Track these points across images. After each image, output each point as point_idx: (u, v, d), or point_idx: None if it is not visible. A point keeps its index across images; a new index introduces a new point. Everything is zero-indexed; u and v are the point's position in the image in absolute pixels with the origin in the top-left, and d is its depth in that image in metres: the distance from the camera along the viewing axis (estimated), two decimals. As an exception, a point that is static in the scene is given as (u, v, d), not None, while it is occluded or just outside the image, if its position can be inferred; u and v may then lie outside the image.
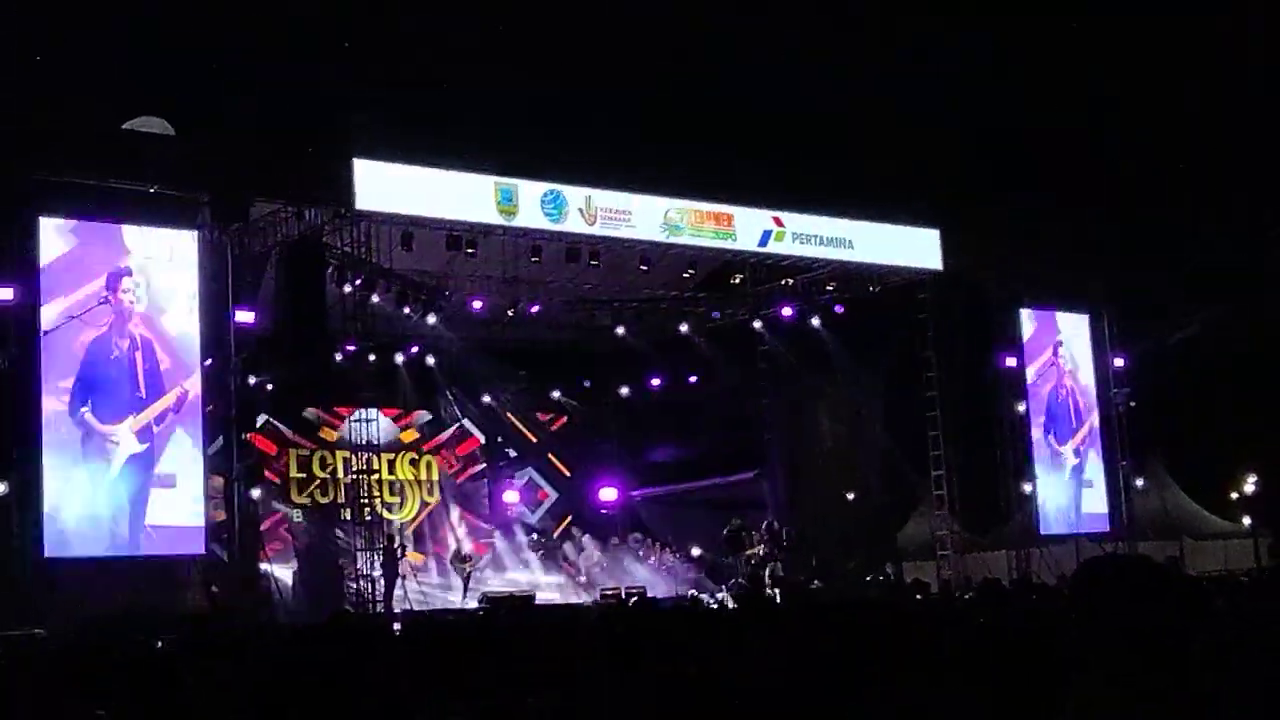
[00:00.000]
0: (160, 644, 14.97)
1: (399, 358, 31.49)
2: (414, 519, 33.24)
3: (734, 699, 6.68)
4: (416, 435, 33.74)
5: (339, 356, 26.45)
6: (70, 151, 22.38)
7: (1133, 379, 34.00)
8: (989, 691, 6.46)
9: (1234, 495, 35.15)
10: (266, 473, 29.55)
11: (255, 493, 25.09)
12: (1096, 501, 33.50)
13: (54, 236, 21.96)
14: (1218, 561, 31.75)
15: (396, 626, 19.08)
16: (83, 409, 21.82)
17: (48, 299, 21.70)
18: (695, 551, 32.75)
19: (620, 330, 32.27)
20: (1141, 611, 3.45)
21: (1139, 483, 34.17)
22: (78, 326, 21.88)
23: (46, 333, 21.52)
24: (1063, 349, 33.60)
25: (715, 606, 24.18)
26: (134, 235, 22.69)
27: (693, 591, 29.75)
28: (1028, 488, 32.20)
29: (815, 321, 32.13)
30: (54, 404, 21.62)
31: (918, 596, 22.11)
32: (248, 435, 24.81)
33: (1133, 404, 33.91)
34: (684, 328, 32.84)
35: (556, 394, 35.54)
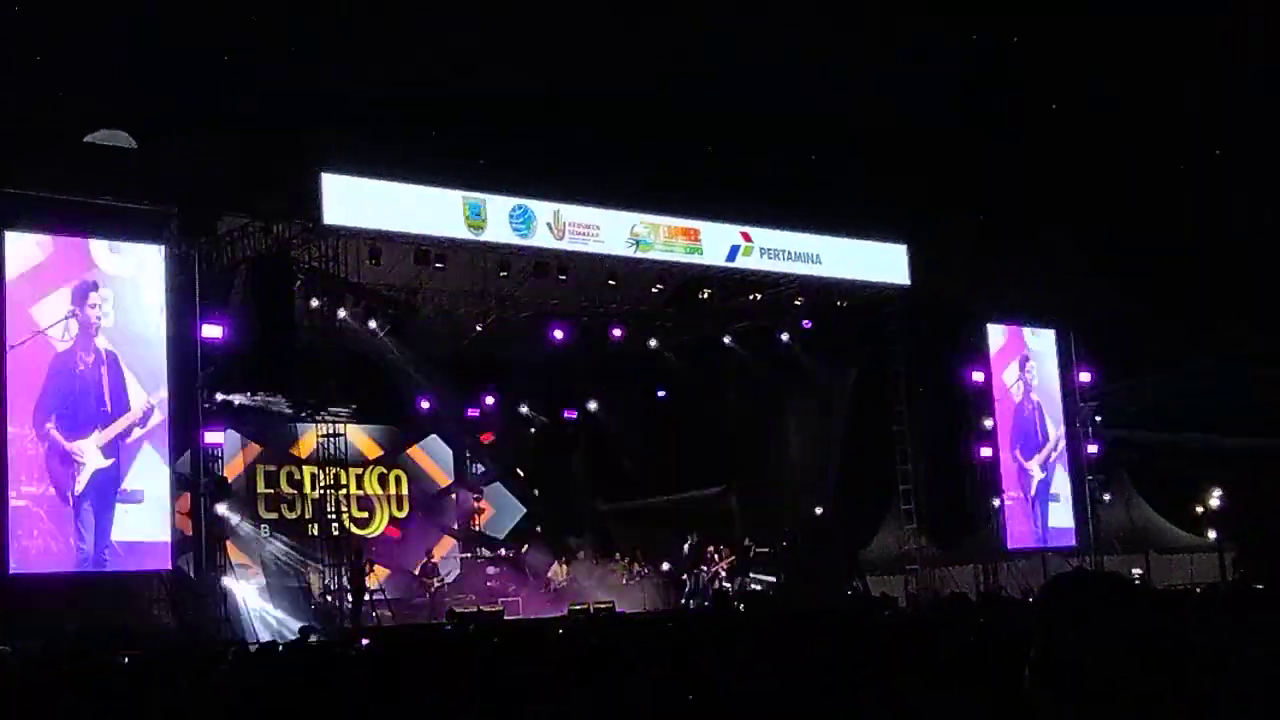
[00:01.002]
0: (126, 660, 14.92)
1: (367, 372, 31.38)
2: (382, 534, 33.13)
3: (703, 711, 6.70)
4: (385, 450, 33.66)
5: (307, 371, 26.35)
6: (37, 165, 22.32)
7: (1100, 393, 34.18)
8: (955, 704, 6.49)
9: (1199, 509, 35.30)
10: (233, 488, 29.43)
11: (222, 508, 24.96)
12: (1063, 516, 33.65)
13: (19, 250, 21.83)
14: (1184, 575, 31.91)
15: (364, 642, 19.02)
16: (48, 424, 21.71)
17: (13, 313, 21.58)
18: (664, 566, 32.71)
19: (588, 345, 32.26)
20: (1108, 627, 3.47)
21: (1105, 497, 34.32)
22: (43, 341, 21.77)
23: (12, 348, 21.39)
24: (1030, 364, 33.76)
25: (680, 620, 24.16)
26: (101, 249, 22.60)
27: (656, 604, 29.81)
28: (995, 502, 32.32)
29: (783, 336, 32.23)
30: (19, 419, 21.49)
31: (885, 612, 22.15)
32: (214, 450, 24.68)
33: (1098, 419, 34.09)
34: (652, 342, 32.86)
35: (525, 408, 35.48)
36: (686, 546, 31.68)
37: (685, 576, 31.39)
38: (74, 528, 21.74)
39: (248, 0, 33.02)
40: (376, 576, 30.40)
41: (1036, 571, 31.44)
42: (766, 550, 32.12)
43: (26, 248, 21.97)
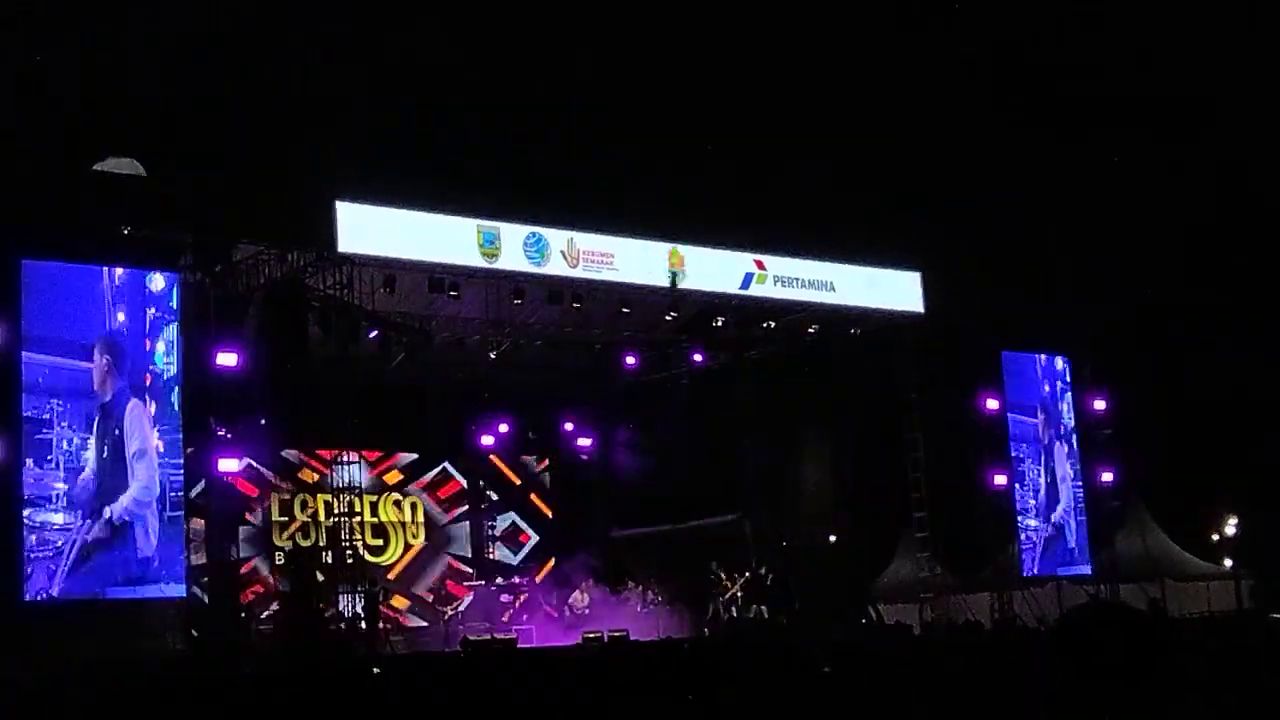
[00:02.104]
0: (140, 688, 14.94)
1: (382, 400, 31.41)
2: (397, 562, 33.14)
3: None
4: (400, 477, 33.68)
5: (321, 398, 26.37)
6: (52, 194, 22.37)
7: (1115, 420, 34.10)
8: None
9: (1215, 537, 35.22)
10: (247, 515, 29.47)
11: (236, 535, 24.98)
12: (1078, 543, 33.53)
13: (34, 280, 21.84)
14: (1200, 603, 31.82)
15: (376, 670, 19.02)
16: (64, 453, 21.69)
17: (28, 344, 21.57)
18: (678, 594, 32.63)
19: (602, 372, 32.32)
20: (1121, 659, 3.47)
21: (1120, 525, 34.23)
22: (61, 375, 21.78)
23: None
24: (1044, 390, 33.69)
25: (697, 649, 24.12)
26: (116, 277, 22.61)
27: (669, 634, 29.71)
28: (1009, 530, 32.22)
29: (797, 364, 32.17)
30: (35, 444, 21.50)
31: (899, 640, 22.13)
32: (228, 478, 24.70)
33: (1114, 446, 34.01)
34: (666, 370, 32.89)
35: (539, 436, 35.48)
36: (720, 575, 31.58)
37: (711, 605, 31.29)
38: (88, 554, 21.70)
39: (261, 28, 33.09)
40: (399, 606, 30.49)
41: (1051, 599, 31.33)
42: (780, 578, 32.03)
43: (41, 277, 21.95)
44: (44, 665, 19.33)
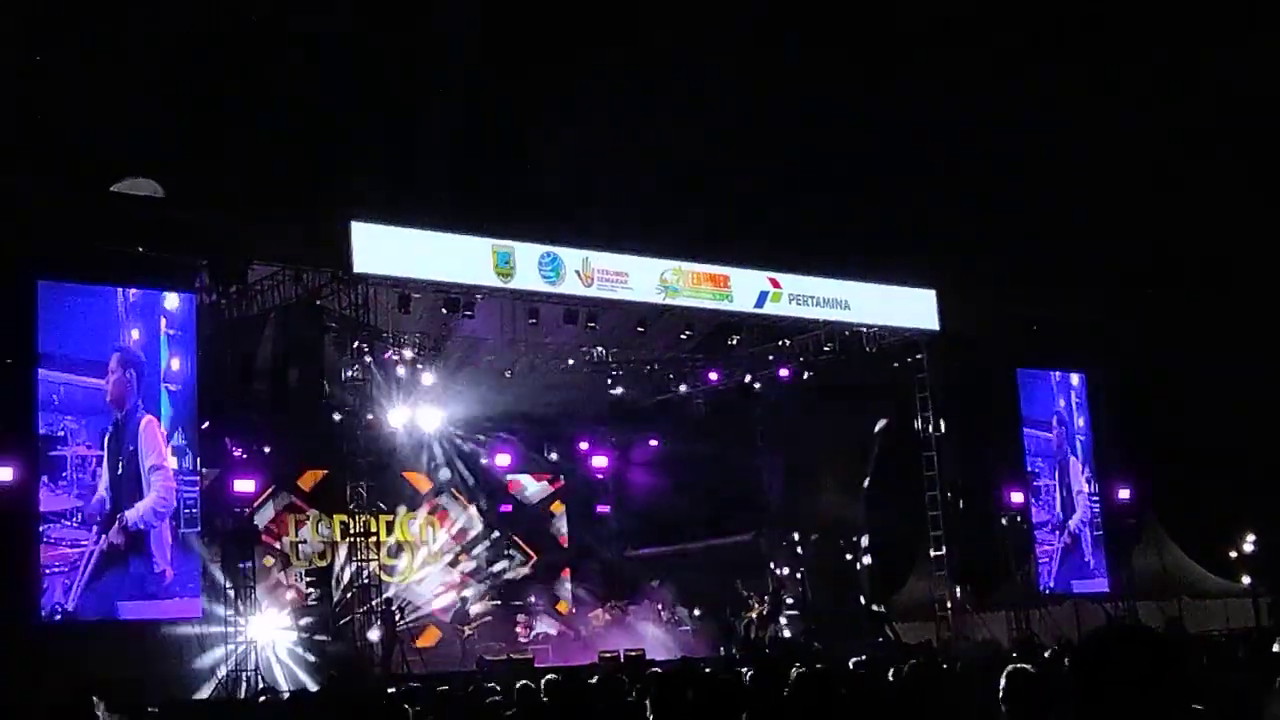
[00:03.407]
0: (155, 710, 14.92)
1: (396, 419, 31.42)
2: (413, 580, 33.14)
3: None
4: (415, 497, 33.67)
5: (336, 418, 26.39)
6: (68, 215, 22.44)
7: (1130, 437, 34.01)
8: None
9: (1233, 554, 35.08)
10: (264, 536, 29.48)
11: (252, 555, 24.99)
12: (1095, 561, 33.44)
13: (49, 299, 21.91)
14: (1219, 620, 31.67)
15: (391, 690, 18.97)
16: (78, 470, 21.74)
17: (43, 362, 21.65)
18: (695, 612, 32.60)
19: (618, 391, 32.32)
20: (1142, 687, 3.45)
21: (1137, 543, 34.12)
22: (76, 392, 21.84)
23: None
24: (1061, 407, 33.63)
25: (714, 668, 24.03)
26: (132, 298, 22.67)
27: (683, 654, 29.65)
28: (1026, 548, 32.13)
29: (812, 382, 32.10)
30: (50, 461, 21.56)
31: (917, 660, 22.00)
32: (245, 498, 24.70)
33: (1130, 463, 33.91)
34: (682, 388, 32.88)
35: (554, 455, 35.47)
36: (748, 593, 31.53)
37: (737, 624, 31.24)
38: (105, 574, 21.74)
39: (275, 49, 33.22)
40: (429, 638, 30.55)
41: (1069, 617, 31.22)
42: (796, 598, 31.99)
43: (58, 298, 22.03)
44: (61, 684, 19.36)
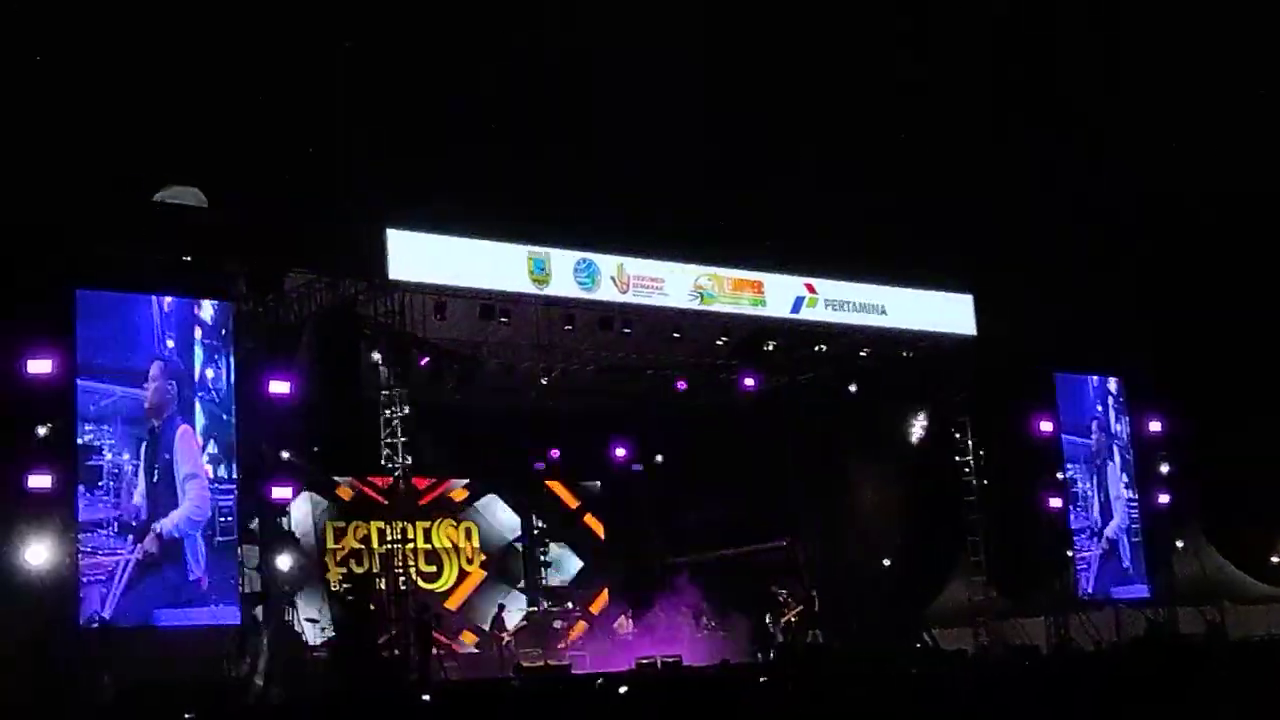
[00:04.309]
0: (192, 715, 14.98)
1: (434, 426, 31.43)
2: (450, 588, 33.20)
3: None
4: (452, 504, 33.75)
5: (372, 425, 26.40)
6: (106, 223, 22.52)
7: (1170, 442, 33.83)
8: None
9: (1275, 559, 34.85)
10: (300, 543, 29.54)
11: (290, 562, 25.05)
12: (1134, 566, 33.28)
13: (87, 307, 22.00)
14: (1263, 625, 31.48)
15: (426, 698, 19.01)
16: (114, 478, 21.83)
17: (84, 373, 21.75)
18: (731, 618, 32.52)
19: (654, 398, 32.28)
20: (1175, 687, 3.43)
21: (1178, 545, 33.93)
22: (112, 400, 21.94)
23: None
24: (1099, 412, 33.48)
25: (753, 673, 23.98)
26: (169, 306, 22.75)
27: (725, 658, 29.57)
28: (1065, 553, 32.00)
29: (849, 387, 32.00)
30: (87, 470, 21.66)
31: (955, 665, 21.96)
32: (283, 505, 24.76)
33: (1169, 467, 33.74)
34: (717, 394, 32.82)
35: (590, 461, 35.45)
36: (784, 596, 31.48)
37: (772, 627, 31.19)
38: (141, 581, 21.83)
39: (311, 58, 33.32)
40: (452, 633, 30.52)
41: (1109, 623, 31.09)
42: (831, 603, 31.88)
43: (97, 306, 22.11)
44: (100, 689, 19.46)
